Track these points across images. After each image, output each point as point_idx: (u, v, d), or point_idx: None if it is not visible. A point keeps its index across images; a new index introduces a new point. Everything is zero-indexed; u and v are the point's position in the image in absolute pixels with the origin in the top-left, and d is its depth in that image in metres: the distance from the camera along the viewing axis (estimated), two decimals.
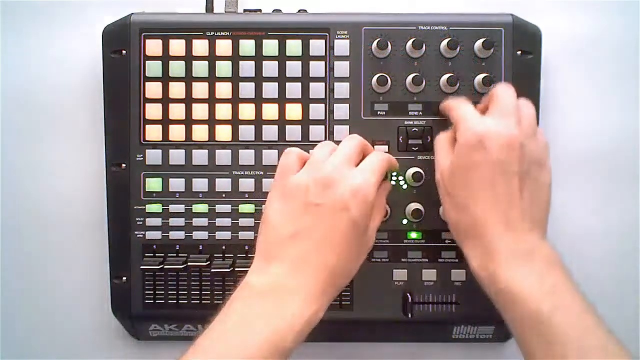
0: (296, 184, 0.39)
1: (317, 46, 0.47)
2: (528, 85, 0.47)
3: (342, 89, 0.48)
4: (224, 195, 0.48)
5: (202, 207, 0.48)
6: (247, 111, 0.48)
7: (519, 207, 0.38)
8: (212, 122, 0.48)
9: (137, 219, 0.48)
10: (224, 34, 0.47)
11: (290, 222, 0.38)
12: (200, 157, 0.48)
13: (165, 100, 0.48)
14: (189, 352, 0.35)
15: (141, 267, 0.47)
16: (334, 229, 0.38)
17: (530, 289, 0.36)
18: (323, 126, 0.48)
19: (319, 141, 0.43)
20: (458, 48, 0.46)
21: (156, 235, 0.48)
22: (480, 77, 0.46)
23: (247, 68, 0.48)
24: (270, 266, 0.38)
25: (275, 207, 0.39)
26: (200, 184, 0.48)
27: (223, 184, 0.48)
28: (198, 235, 0.48)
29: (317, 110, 0.48)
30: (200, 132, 0.48)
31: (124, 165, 0.48)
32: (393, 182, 0.47)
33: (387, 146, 0.47)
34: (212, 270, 0.47)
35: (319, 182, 0.38)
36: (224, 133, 0.48)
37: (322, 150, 0.41)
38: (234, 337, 0.35)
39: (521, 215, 0.38)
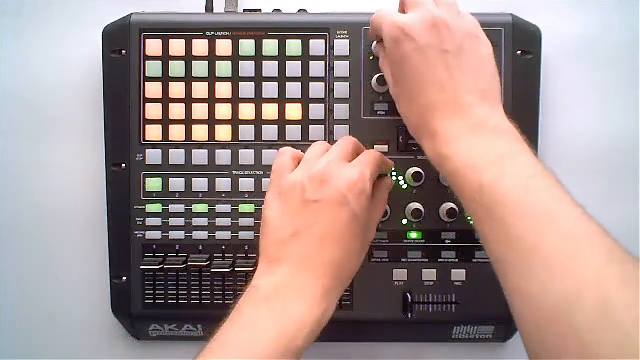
0: (292, 182, 0.39)
1: (317, 46, 0.48)
2: (528, 85, 0.47)
3: (342, 89, 0.48)
4: (224, 195, 0.48)
5: (202, 207, 0.48)
6: (247, 111, 0.48)
7: (460, 82, 0.37)
8: (212, 122, 0.48)
9: (137, 219, 0.48)
10: (224, 34, 0.47)
11: (290, 222, 0.38)
12: (200, 157, 0.48)
13: (165, 100, 0.48)
14: (199, 357, 0.35)
15: (141, 267, 0.47)
16: (334, 224, 0.38)
17: (474, 162, 0.34)
18: (323, 126, 0.48)
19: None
20: None
21: (156, 235, 0.48)
22: None
23: (247, 68, 0.48)
24: (275, 268, 0.38)
25: (274, 207, 0.39)
26: (200, 184, 0.48)
27: (223, 184, 0.48)
28: (198, 235, 0.48)
29: (317, 110, 0.48)
30: (200, 132, 0.48)
31: (124, 165, 0.48)
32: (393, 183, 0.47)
33: (387, 146, 0.47)
34: (212, 270, 0.47)
35: (314, 178, 0.38)
36: (224, 133, 0.48)
37: (316, 149, 0.41)
38: (243, 339, 0.35)
39: (465, 91, 0.36)
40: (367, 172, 0.39)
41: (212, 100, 0.48)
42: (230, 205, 0.48)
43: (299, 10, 0.50)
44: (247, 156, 0.48)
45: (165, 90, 0.48)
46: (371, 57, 0.47)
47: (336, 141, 0.43)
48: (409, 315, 0.47)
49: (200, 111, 0.48)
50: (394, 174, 0.47)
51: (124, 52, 0.47)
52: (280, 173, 0.40)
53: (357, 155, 0.42)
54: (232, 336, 0.36)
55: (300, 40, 0.47)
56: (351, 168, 0.39)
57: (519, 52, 0.47)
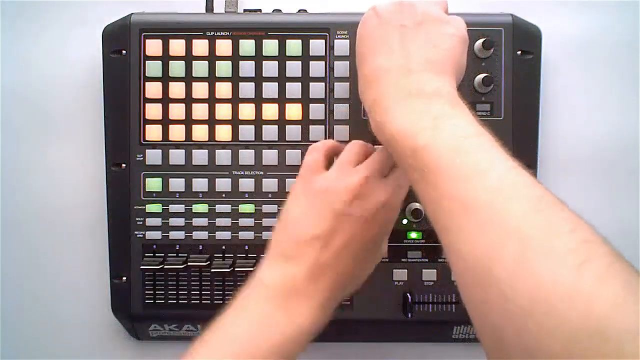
0: (324, 188, 0.38)
1: (317, 46, 0.48)
2: (528, 85, 0.47)
3: (342, 89, 0.48)
4: (224, 195, 0.48)
5: (202, 207, 0.48)
6: (247, 111, 0.48)
7: (410, 51, 0.37)
8: (212, 122, 0.48)
9: (137, 219, 0.48)
10: (224, 34, 0.47)
11: (313, 225, 0.37)
12: (200, 157, 0.48)
13: (165, 100, 0.48)
14: (198, 345, 0.35)
15: (141, 267, 0.47)
16: (356, 240, 0.37)
17: (408, 126, 0.33)
18: (323, 126, 0.48)
19: (318, 141, 0.43)
20: None
21: (156, 235, 0.48)
22: (480, 77, 0.46)
23: (247, 68, 0.48)
24: (286, 265, 0.37)
25: (300, 203, 0.38)
26: (200, 184, 0.48)
27: (223, 184, 0.48)
28: (198, 235, 0.48)
29: (317, 110, 0.48)
30: (200, 132, 0.48)
31: (124, 165, 0.48)
32: None
33: None
34: (212, 270, 0.47)
35: (349, 191, 0.37)
36: (224, 133, 0.48)
37: (355, 151, 0.40)
38: (244, 334, 0.35)
39: (412, 58, 0.36)
40: (401, 194, 0.39)
41: (212, 100, 0.48)
42: (230, 205, 0.48)
43: (299, 10, 0.50)
44: (247, 156, 0.48)
45: (165, 90, 0.48)
46: None
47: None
48: (409, 315, 0.47)
49: (200, 111, 0.48)
50: None
51: (124, 52, 0.47)
52: (311, 172, 0.39)
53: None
54: (233, 329, 0.35)
55: (300, 40, 0.47)
56: (384, 189, 0.38)
57: (519, 52, 0.47)
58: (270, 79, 0.48)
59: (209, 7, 0.50)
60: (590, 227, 0.26)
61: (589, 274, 0.23)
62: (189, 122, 0.48)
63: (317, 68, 0.48)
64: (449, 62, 0.37)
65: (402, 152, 0.34)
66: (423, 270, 0.48)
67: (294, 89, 0.48)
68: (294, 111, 0.48)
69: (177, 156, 0.48)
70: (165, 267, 0.47)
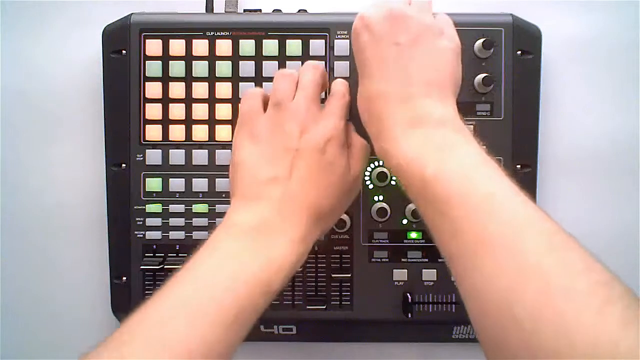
0: (269, 128, 0.39)
1: (317, 46, 0.48)
2: (528, 85, 0.47)
3: None
4: (223, 195, 0.48)
5: (202, 207, 0.48)
6: None
7: (407, 73, 0.36)
8: (212, 122, 0.48)
9: (137, 219, 0.48)
10: (224, 34, 0.47)
11: (267, 167, 0.38)
12: (200, 157, 0.48)
13: (165, 100, 0.48)
14: (173, 281, 0.33)
15: (141, 267, 0.47)
16: (313, 171, 0.38)
17: (415, 156, 0.34)
18: None
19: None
20: None
21: (156, 235, 0.48)
22: (480, 77, 0.46)
23: (247, 68, 0.48)
24: (253, 205, 0.37)
25: (250, 150, 0.39)
26: (200, 184, 0.48)
27: (223, 184, 0.48)
28: (198, 235, 0.48)
29: None
30: (200, 132, 0.48)
31: (124, 165, 0.48)
32: (393, 183, 0.47)
33: None
34: None
35: (292, 127, 0.39)
36: (224, 133, 0.48)
37: (284, 87, 0.41)
38: (221, 271, 0.34)
39: (411, 81, 0.36)
40: (340, 123, 0.40)
41: (212, 100, 0.48)
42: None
43: (299, 10, 0.50)
44: None
45: (165, 90, 0.48)
46: None
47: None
48: (409, 315, 0.47)
49: (200, 111, 0.48)
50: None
51: (124, 52, 0.47)
52: (252, 116, 0.40)
53: (324, 83, 0.42)
54: (211, 267, 0.34)
55: (300, 40, 0.47)
56: (326, 119, 0.40)
57: (519, 52, 0.47)
58: (270, 79, 0.47)
59: (209, 7, 0.50)
60: (601, 264, 0.27)
61: (611, 316, 0.24)
62: (189, 122, 0.48)
63: None
64: (447, 80, 0.37)
65: (409, 180, 0.34)
66: (423, 270, 0.48)
67: None
68: None
69: (177, 156, 0.48)
70: (165, 267, 0.47)
